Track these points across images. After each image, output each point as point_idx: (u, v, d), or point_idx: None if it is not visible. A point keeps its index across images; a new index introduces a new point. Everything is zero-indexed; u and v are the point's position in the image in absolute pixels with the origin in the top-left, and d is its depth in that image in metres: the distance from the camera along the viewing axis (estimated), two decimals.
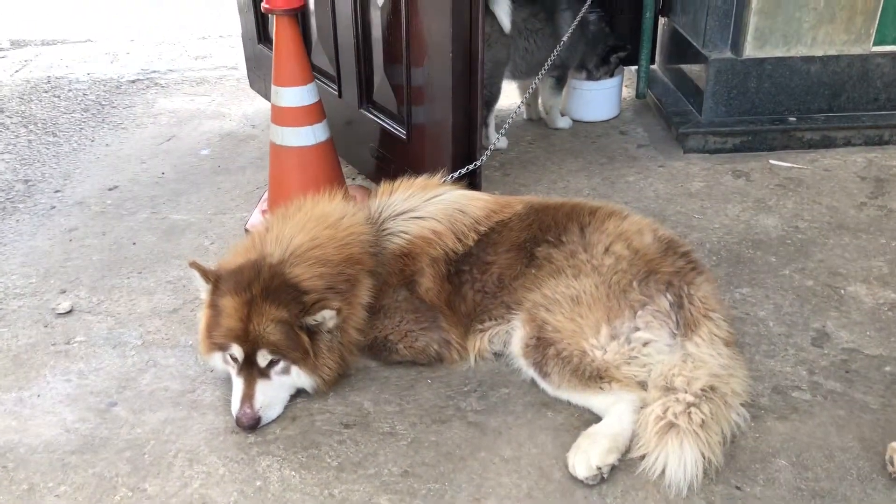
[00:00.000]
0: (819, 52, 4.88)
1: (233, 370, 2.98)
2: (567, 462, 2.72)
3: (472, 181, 3.74)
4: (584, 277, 3.06)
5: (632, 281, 3.03)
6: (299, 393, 3.08)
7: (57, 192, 4.86)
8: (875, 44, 4.87)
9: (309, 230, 3.06)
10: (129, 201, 4.72)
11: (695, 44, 5.14)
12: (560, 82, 5.36)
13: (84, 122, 5.96)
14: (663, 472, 2.65)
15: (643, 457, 2.72)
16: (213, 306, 2.98)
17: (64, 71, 7.11)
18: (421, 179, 3.39)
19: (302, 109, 4.01)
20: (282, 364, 2.94)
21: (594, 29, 5.36)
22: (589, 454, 2.68)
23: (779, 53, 4.87)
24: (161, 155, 5.35)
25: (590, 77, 5.47)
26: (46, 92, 6.58)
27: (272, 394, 2.96)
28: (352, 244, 3.08)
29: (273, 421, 2.98)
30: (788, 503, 2.58)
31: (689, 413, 2.70)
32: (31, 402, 3.12)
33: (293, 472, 2.76)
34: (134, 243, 4.24)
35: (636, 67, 5.79)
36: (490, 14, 4.71)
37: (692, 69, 5.27)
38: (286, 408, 3.03)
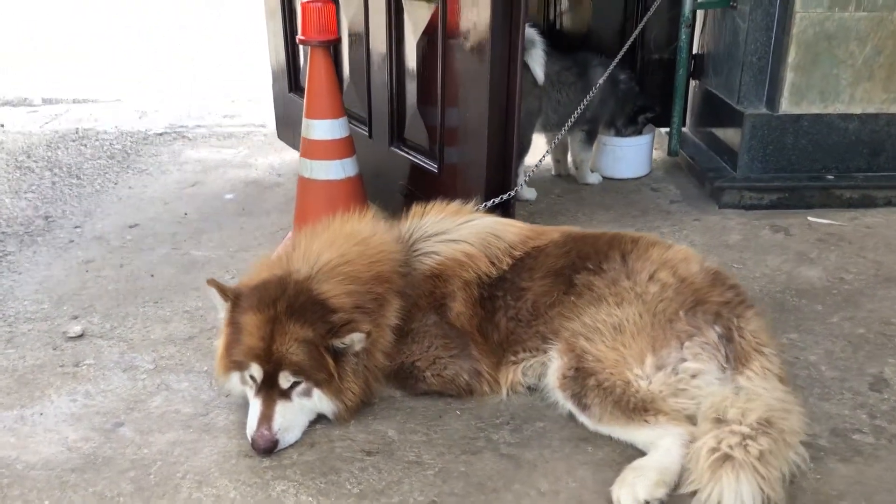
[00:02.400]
0: (857, 110, 4.79)
1: (250, 391, 2.78)
2: (611, 497, 2.48)
3: (505, 212, 3.61)
4: (627, 305, 2.87)
5: (678, 310, 2.84)
6: (318, 419, 2.88)
7: (76, 227, 4.76)
8: None
9: (338, 247, 2.91)
10: (149, 237, 4.61)
11: (729, 101, 5.08)
12: (590, 137, 5.30)
13: (109, 167, 5.93)
14: None
15: (694, 493, 2.47)
16: (233, 324, 2.80)
17: (92, 124, 7.15)
18: (454, 205, 3.26)
19: (332, 143, 3.93)
20: (304, 386, 2.75)
21: (624, 87, 5.35)
22: (635, 487, 2.44)
23: (815, 110, 4.79)
24: (185, 198, 5.27)
25: (618, 134, 5.44)
26: (74, 141, 6.58)
27: (291, 417, 2.75)
28: (382, 262, 2.93)
29: (290, 446, 2.76)
30: None
31: (746, 445, 2.46)
32: (33, 419, 2.93)
33: (310, 498, 2.53)
34: (152, 275, 4.11)
35: (667, 130, 5.73)
36: (524, 65, 4.69)
37: (726, 128, 5.19)
38: (304, 434, 2.82)
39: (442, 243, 3.09)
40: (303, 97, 4.01)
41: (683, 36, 5.15)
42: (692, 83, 5.73)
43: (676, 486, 2.51)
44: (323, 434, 2.83)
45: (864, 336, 3.45)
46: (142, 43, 11.36)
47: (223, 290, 2.84)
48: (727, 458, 2.45)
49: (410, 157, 4.11)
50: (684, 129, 5.80)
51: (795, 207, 4.86)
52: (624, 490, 2.44)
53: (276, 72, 5.61)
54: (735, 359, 2.80)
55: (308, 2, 3.78)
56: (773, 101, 4.84)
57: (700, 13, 5.46)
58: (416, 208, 3.20)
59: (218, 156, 6.24)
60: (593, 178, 5.42)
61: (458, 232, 3.14)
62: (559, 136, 4.69)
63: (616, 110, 5.36)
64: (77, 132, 6.83)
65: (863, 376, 3.16)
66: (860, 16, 4.59)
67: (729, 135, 5.15)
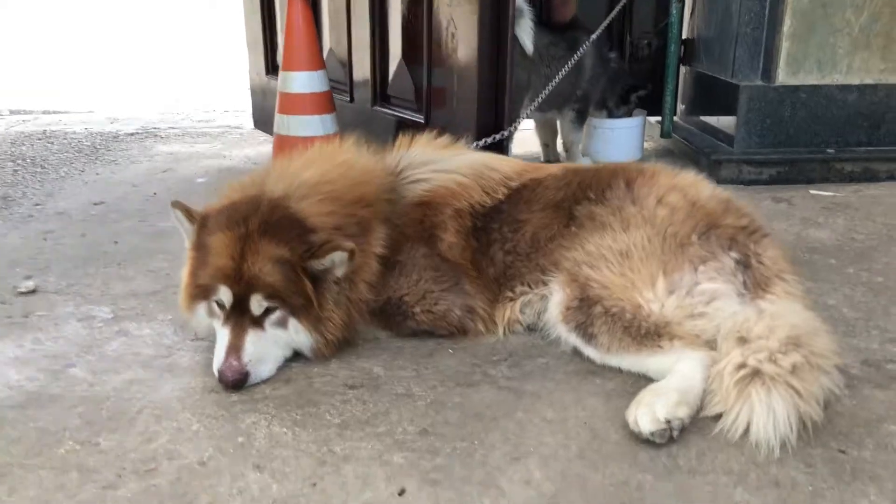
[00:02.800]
0: (856, 81, 4.65)
1: (218, 322, 2.48)
2: (626, 420, 2.19)
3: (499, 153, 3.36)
4: (634, 230, 2.62)
5: (690, 234, 2.59)
6: (296, 357, 2.58)
7: (37, 205, 4.46)
8: None
9: (318, 167, 2.65)
10: (114, 213, 4.32)
11: (723, 77, 4.92)
12: (581, 117, 5.11)
13: (75, 159, 5.65)
14: (747, 430, 2.12)
15: (719, 416, 2.19)
16: (200, 247, 2.51)
17: (61, 127, 6.87)
18: (444, 139, 3.01)
19: (311, 97, 3.71)
20: (278, 313, 2.45)
21: (615, 66, 5.20)
22: (654, 407, 2.15)
23: (813, 81, 4.64)
24: (154, 182, 4.99)
25: (610, 115, 5.25)
26: (40, 139, 6.31)
27: (264, 348, 2.45)
28: (366, 184, 2.66)
29: (262, 382, 2.45)
30: None
31: (776, 360, 2.19)
32: None
33: (285, 430, 2.22)
34: (115, 242, 3.81)
35: (658, 119, 5.57)
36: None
37: (720, 107, 5.02)
38: (279, 371, 2.51)
39: (432, 172, 2.84)
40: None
41: (674, 11, 5.02)
42: (682, 70, 5.59)
43: (700, 409, 2.24)
44: (300, 371, 2.53)
45: (884, 283, 3.22)
46: (118, 50, 11.19)
47: (189, 212, 2.56)
48: (756, 373, 2.18)
49: (396, 114, 3.88)
50: (675, 119, 5.63)
51: (795, 182, 4.67)
52: (641, 409, 2.15)
53: (253, 56, 5.40)
54: (755, 285, 2.55)
55: None
56: (769, 73, 4.68)
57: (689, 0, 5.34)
58: (402, 138, 2.94)
59: (191, 149, 5.98)
60: (584, 162, 5.21)
61: (449, 162, 2.89)
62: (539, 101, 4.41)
63: (607, 89, 5.18)
64: (45, 133, 6.56)
65: (888, 316, 2.92)
66: None
67: (724, 113, 4.98)
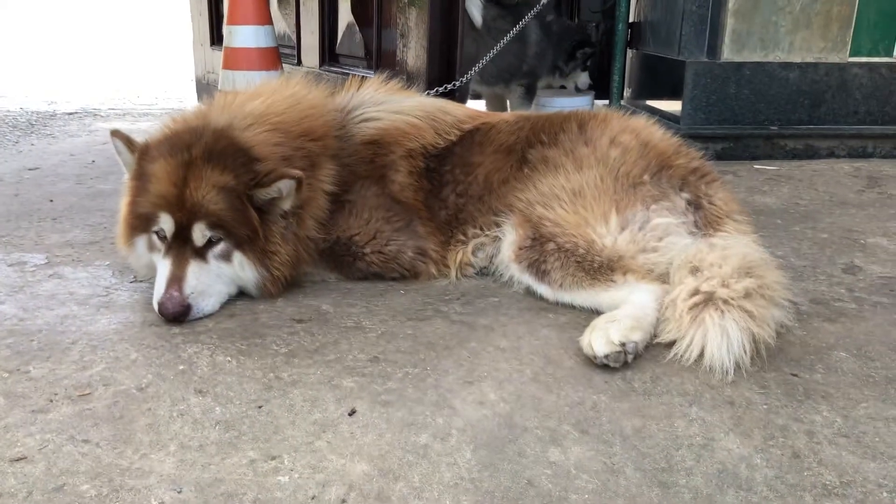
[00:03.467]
0: (797, 59, 4.74)
1: (159, 254, 2.38)
2: (581, 345, 2.15)
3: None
4: (586, 170, 2.60)
5: (642, 174, 2.59)
6: (240, 296, 2.49)
7: None
8: (851, 54, 4.77)
9: (265, 99, 2.57)
10: (50, 177, 4.15)
11: (669, 56, 4.97)
12: (529, 92, 5.12)
13: (9, 133, 5.44)
14: (701, 355, 2.11)
15: (673, 344, 2.18)
16: (140, 176, 2.41)
17: None
18: (395, 83, 2.95)
19: (257, 52, 3.62)
20: (223, 245, 2.36)
21: (557, 28, 5.24)
22: (608, 331, 2.12)
23: (757, 58, 4.72)
24: (93, 152, 4.83)
25: (561, 75, 5.27)
26: None
27: (207, 280, 2.35)
28: (314, 117, 2.59)
29: (205, 317, 2.36)
30: (859, 389, 2.04)
31: (728, 285, 2.19)
32: None
33: (229, 358, 2.13)
34: (51, 200, 3.66)
35: (605, 102, 5.62)
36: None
37: (667, 87, 5.08)
38: (223, 307, 2.42)
39: (384, 111, 2.78)
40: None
41: None
42: (630, 53, 5.65)
43: (653, 337, 2.22)
44: (245, 308, 2.44)
45: (828, 240, 3.26)
46: (61, 43, 10.86)
47: (130, 141, 2.45)
48: (710, 298, 2.17)
49: (345, 72, 3.81)
50: (622, 102, 5.68)
51: (740, 158, 4.74)
52: (596, 333, 2.12)
53: (198, 26, 5.28)
54: (706, 224, 2.56)
55: None
56: (714, 50, 4.75)
57: None
58: (352, 80, 2.87)
59: (132, 126, 5.81)
60: None
61: (401, 103, 2.83)
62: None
63: (556, 55, 5.22)
64: None
65: (834, 265, 2.95)
66: None
67: (670, 92, 5.03)
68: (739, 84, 4.74)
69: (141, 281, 2.61)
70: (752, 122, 4.80)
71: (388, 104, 2.80)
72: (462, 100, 3.53)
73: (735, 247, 2.38)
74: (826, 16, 4.69)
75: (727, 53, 4.70)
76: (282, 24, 4.30)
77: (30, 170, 4.28)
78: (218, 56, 4.98)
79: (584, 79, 5.55)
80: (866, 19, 4.71)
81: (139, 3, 16.40)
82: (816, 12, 4.67)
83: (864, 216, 3.60)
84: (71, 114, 6.37)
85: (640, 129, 2.74)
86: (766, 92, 4.76)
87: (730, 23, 4.65)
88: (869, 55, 4.79)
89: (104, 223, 3.29)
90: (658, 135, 2.74)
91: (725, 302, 2.14)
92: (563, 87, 5.62)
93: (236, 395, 1.96)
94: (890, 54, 4.79)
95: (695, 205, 2.59)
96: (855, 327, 2.39)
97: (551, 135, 2.76)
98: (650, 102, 5.60)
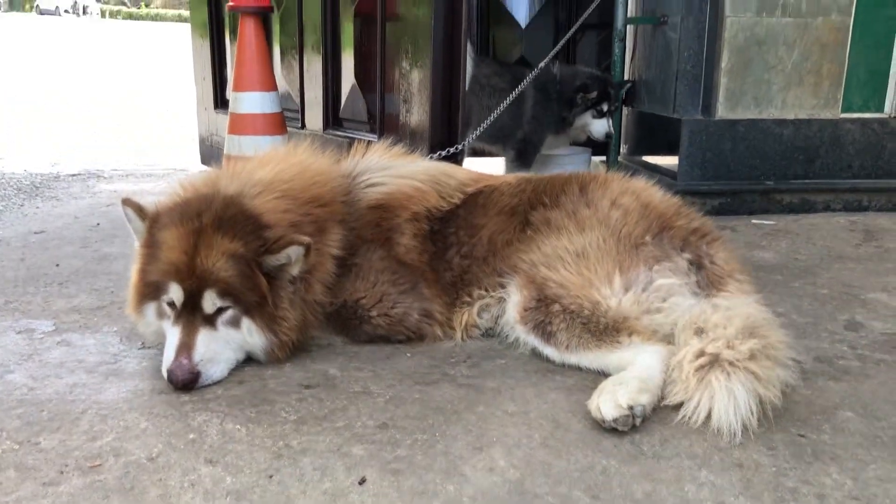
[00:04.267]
0: (790, 116, 4.83)
1: (168, 321, 2.40)
2: (589, 408, 2.17)
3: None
4: (589, 231, 2.64)
5: (644, 235, 2.63)
6: (248, 361, 2.50)
7: None
8: (843, 110, 4.86)
9: (273, 166, 2.62)
10: (55, 240, 4.18)
11: (664, 114, 5.07)
12: (521, 159, 5.11)
13: (14, 195, 5.48)
14: (709, 417, 2.12)
15: (681, 406, 2.19)
16: (151, 244, 2.44)
17: None
18: (399, 148, 3.01)
19: (263, 117, 3.69)
20: (231, 312, 2.38)
21: (558, 77, 5.17)
22: (616, 394, 2.14)
23: (751, 115, 4.81)
24: (97, 214, 4.87)
25: (566, 123, 5.23)
26: None
27: (217, 347, 2.37)
28: (322, 184, 2.64)
29: (214, 384, 2.37)
30: (868, 450, 2.05)
31: (734, 346, 2.21)
32: None
33: (238, 426, 2.13)
34: (57, 265, 3.68)
35: (602, 159, 5.72)
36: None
37: (663, 145, 5.17)
38: (231, 374, 2.43)
39: (389, 176, 2.83)
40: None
41: (617, 50, 5.18)
42: (625, 111, 5.76)
43: (661, 399, 2.23)
44: (253, 373, 2.45)
45: (829, 295, 3.30)
46: (64, 109, 10.99)
47: (140, 209, 2.49)
48: (715, 360, 2.19)
49: (349, 136, 3.89)
50: (620, 159, 5.76)
51: (737, 213, 4.79)
52: (604, 397, 2.14)
53: (201, 89, 5.38)
54: (708, 284, 2.59)
55: None
56: (709, 108, 4.84)
57: (629, 43, 5.52)
58: (357, 146, 2.94)
59: (136, 187, 5.88)
60: None
61: (406, 168, 2.89)
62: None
63: (559, 110, 5.18)
64: None
65: (835, 321, 2.98)
66: (786, 21, 4.70)
67: (666, 149, 5.12)
68: (735, 141, 4.83)
69: (149, 347, 2.62)
70: (748, 177, 4.87)
71: (393, 169, 2.86)
72: (460, 161, 3.58)
73: (738, 307, 2.41)
74: (817, 74, 4.79)
75: (722, 111, 4.79)
76: (285, 87, 4.39)
77: (35, 233, 4.32)
78: (222, 118, 5.08)
79: (598, 127, 5.30)
80: (856, 77, 4.82)
81: (141, 65, 16.67)
82: (808, 70, 4.78)
83: (862, 270, 3.64)
84: (74, 175, 6.44)
85: (640, 190, 2.79)
86: (761, 148, 4.85)
87: (723, 82, 4.75)
88: (860, 111, 4.89)
89: (110, 287, 3.32)
90: (658, 196, 2.79)
91: (731, 363, 2.16)
92: (584, 144, 5.58)
93: (246, 465, 1.96)
94: (881, 110, 4.88)
95: (696, 265, 2.63)
96: (860, 386, 2.40)
97: (553, 197, 2.81)
98: (647, 158, 5.69)
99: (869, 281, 3.47)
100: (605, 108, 5.23)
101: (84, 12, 55.19)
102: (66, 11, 54.94)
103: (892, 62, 4.82)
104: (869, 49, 4.78)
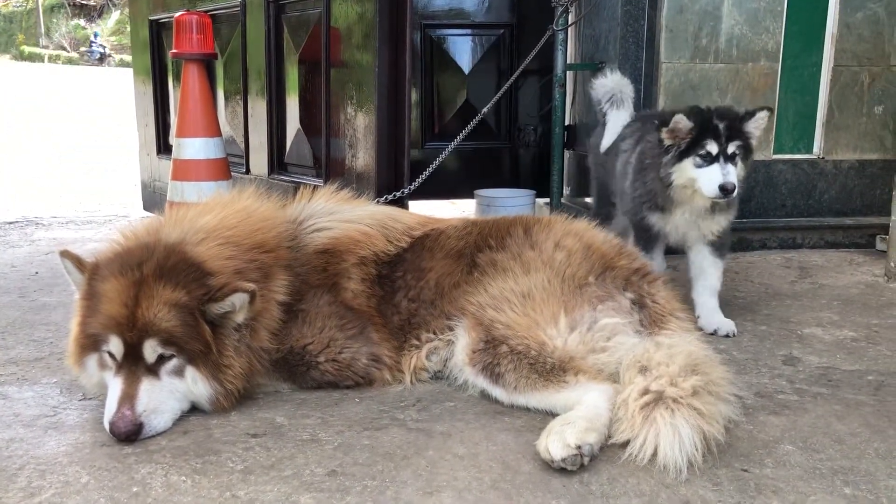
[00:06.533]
0: None
1: (110, 371, 2.35)
2: (538, 449, 2.18)
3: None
4: (534, 273, 2.68)
5: (587, 276, 2.68)
6: (192, 411, 2.46)
7: None
8: (775, 151, 5.05)
9: (217, 213, 2.61)
10: None
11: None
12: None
13: None
14: (655, 453, 2.15)
15: (627, 443, 2.22)
16: (90, 296, 2.40)
17: None
18: (345, 193, 3.03)
19: (207, 163, 3.67)
20: (175, 362, 2.35)
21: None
22: (564, 434, 2.16)
23: None
24: (36, 263, 4.76)
25: (664, 185, 3.45)
26: None
27: (160, 397, 2.32)
28: (266, 230, 2.63)
29: (158, 435, 2.32)
30: (808, 482, 2.10)
31: (677, 384, 2.26)
32: None
33: (184, 478, 2.09)
34: None
35: (546, 200, 5.81)
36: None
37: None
38: (175, 423, 2.38)
39: (335, 221, 2.84)
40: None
41: (557, 95, 5.30)
42: (567, 154, 5.87)
43: (608, 438, 2.26)
44: (198, 423, 2.41)
45: (767, 331, 3.39)
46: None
47: (79, 261, 2.45)
48: (659, 397, 2.23)
49: (294, 181, 3.89)
50: (563, 200, 5.86)
51: (676, 253, 4.89)
52: (552, 437, 2.15)
53: (144, 135, 5.33)
54: (650, 323, 2.66)
55: (183, 14, 3.62)
56: None
57: (569, 88, 5.66)
58: (303, 191, 2.94)
59: (76, 234, 5.77)
60: None
61: (352, 212, 2.90)
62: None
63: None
64: None
65: (774, 357, 3.06)
66: (719, 67, 4.88)
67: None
68: None
69: (90, 398, 2.56)
70: None
71: (340, 214, 2.87)
72: (406, 205, 3.60)
73: (680, 345, 2.46)
74: None
75: None
76: (229, 132, 4.39)
77: None
78: (164, 164, 5.03)
79: (707, 178, 3.21)
80: (785, 119, 5.02)
81: (78, 110, 16.43)
82: None
83: (798, 307, 3.75)
84: (11, 223, 6.28)
85: (582, 231, 2.85)
86: None
87: None
88: (791, 152, 5.08)
89: (49, 338, 3.24)
90: (600, 237, 2.86)
91: (675, 401, 2.21)
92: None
93: None
94: (810, 151, 5.09)
95: (639, 304, 2.69)
96: (798, 419, 2.47)
97: (498, 239, 2.85)
98: (589, 200, 5.79)
99: (805, 316, 3.59)
100: (712, 149, 3.25)
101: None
102: None
103: (818, 106, 5.04)
104: (796, 93, 4.99)
